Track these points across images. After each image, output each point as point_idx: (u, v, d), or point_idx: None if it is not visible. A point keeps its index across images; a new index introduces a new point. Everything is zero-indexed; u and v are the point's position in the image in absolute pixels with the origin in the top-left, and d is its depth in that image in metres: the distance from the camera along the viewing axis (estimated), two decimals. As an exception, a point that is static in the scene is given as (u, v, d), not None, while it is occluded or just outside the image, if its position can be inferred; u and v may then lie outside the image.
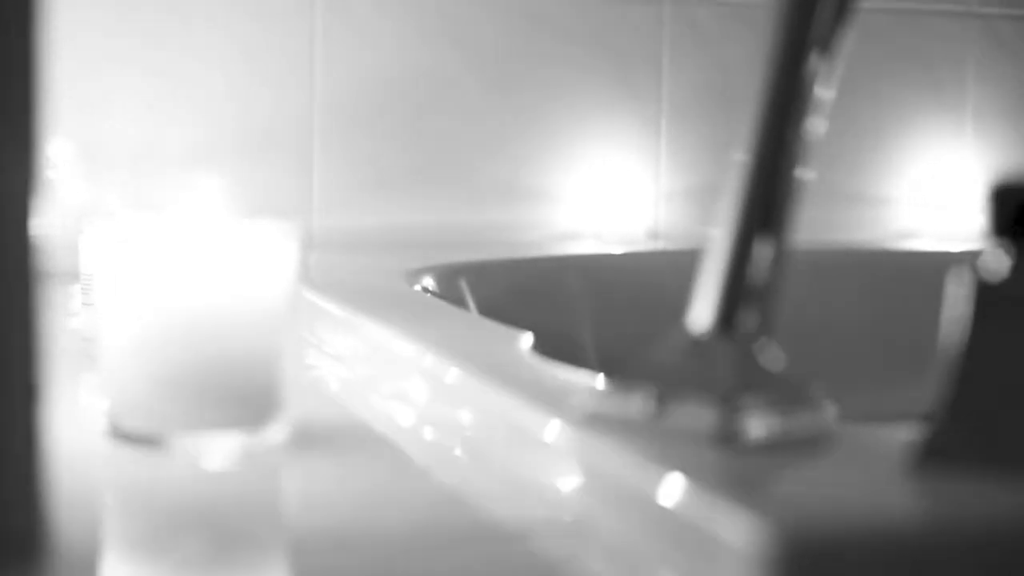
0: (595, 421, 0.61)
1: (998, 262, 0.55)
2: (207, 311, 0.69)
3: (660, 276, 1.39)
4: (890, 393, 1.46)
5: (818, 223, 1.58)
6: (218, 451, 0.69)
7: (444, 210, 1.48)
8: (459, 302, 1.20)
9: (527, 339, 0.84)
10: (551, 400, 0.65)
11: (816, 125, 0.64)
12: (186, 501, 0.62)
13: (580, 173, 1.52)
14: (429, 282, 1.20)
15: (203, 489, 0.64)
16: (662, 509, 0.52)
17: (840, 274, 1.48)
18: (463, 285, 1.23)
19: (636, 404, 0.60)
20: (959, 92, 1.68)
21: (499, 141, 1.50)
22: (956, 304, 0.56)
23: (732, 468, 0.56)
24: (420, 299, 1.10)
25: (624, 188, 1.54)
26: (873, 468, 0.56)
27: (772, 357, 0.62)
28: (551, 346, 0.88)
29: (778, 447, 0.58)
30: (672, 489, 0.53)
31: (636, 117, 1.54)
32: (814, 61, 0.64)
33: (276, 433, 0.71)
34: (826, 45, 0.64)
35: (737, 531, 0.48)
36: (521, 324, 0.89)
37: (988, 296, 0.55)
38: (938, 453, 0.55)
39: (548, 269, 1.39)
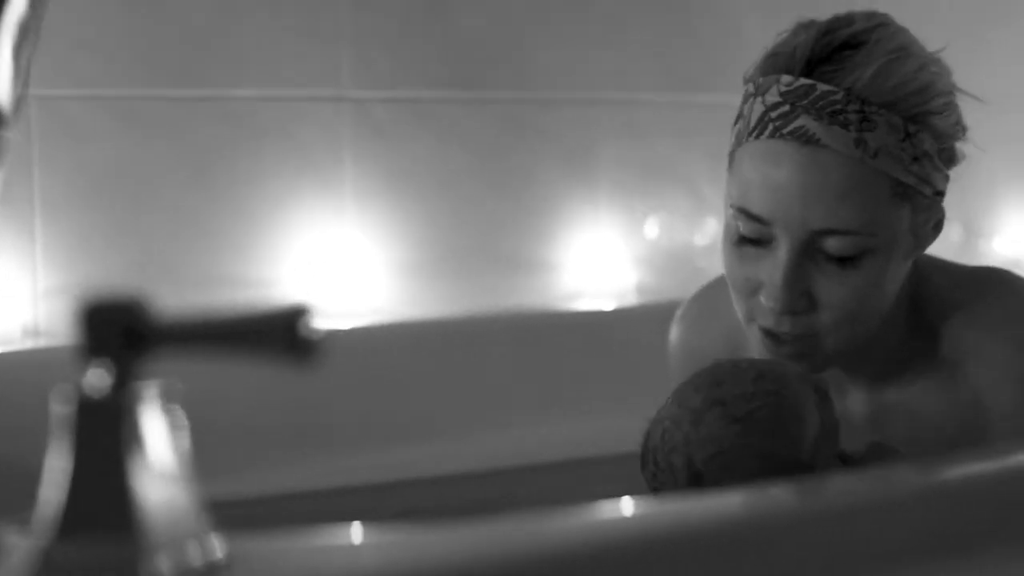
0: None
1: (100, 379, 0.59)
2: None
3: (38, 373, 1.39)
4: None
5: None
6: None
7: None
8: None
9: None
10: None
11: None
12: None
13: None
14: None
15: None
16: None
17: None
18: None
19: None
20: (338, 172, 1.75)
21: None
22: (61, 421, 0.59)
23: None
24: None
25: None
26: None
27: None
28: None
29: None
30: None
31: (10, 218, 1.54)
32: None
33: None
34: None
35: None
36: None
37: (91, 411, 0.59)
38: (48, 566, 0.58)
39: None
